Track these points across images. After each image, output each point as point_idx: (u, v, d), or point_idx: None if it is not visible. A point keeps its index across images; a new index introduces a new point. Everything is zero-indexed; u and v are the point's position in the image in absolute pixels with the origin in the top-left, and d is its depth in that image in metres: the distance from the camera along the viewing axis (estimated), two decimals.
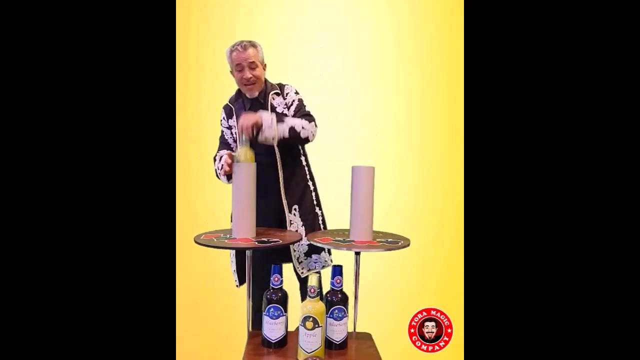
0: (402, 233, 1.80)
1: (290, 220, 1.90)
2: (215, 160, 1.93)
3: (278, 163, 1.87)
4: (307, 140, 1.84)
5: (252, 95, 1.90)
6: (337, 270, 1.57)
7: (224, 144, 1.99)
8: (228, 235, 1.68)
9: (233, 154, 1.75)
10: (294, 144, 1.91)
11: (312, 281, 1.46)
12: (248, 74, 1.84)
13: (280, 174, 1.88)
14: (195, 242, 1.61)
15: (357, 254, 1.67)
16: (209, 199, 2.80)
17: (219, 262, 2.62)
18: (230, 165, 1.71)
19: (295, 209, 1.91)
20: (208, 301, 2.72)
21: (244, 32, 2.95)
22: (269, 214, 1.87)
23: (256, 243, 1.59)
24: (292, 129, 1.77)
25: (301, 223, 1.93)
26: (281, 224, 1.91)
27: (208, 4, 2.95)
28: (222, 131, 1.99)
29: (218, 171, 1.86)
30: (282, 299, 1.55)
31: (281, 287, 1.56)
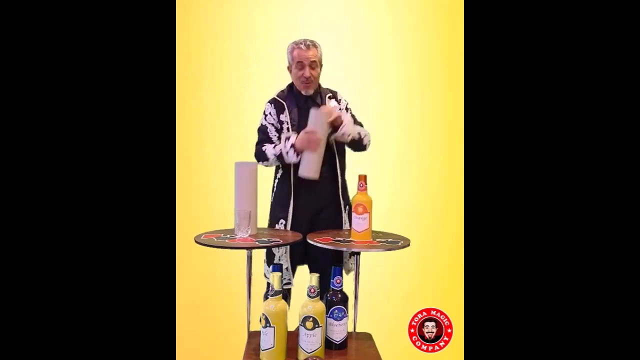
0: (402, 233, 1.79)
1: (344, 220, 1.99)
2: (265, 146, 1.94)
3: (338, 174, 1.97)
4: (365, 147, 1.99)
5: (308, 93, 1.99)
6: (337, 271, 1.57)
7: (267, 139, 1.98)
8: (228, 235, 1.68)
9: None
10: (351, 149, 2.01)
11: (312, 281, 1.46)
12: (308, 73, 1.93)
13: (339, 181, 1.98)
14: (196, 242, 1.61)
15: (357, 254, 1.67)
16: (209, 199, 2.80)
17: (219, 262, 2.62)
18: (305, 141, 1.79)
19: (346, 209, 2.01)
20: (208, 301, 2.72)
21: (244, 32, 2.97)
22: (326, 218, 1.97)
23: (256, 243, 1.59)
24: (359, 133, 1.94)
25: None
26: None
27: (208, 4, 2.95)
28: (265, 126, 1.98)
29: (285, 149, 1.86)
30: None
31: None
